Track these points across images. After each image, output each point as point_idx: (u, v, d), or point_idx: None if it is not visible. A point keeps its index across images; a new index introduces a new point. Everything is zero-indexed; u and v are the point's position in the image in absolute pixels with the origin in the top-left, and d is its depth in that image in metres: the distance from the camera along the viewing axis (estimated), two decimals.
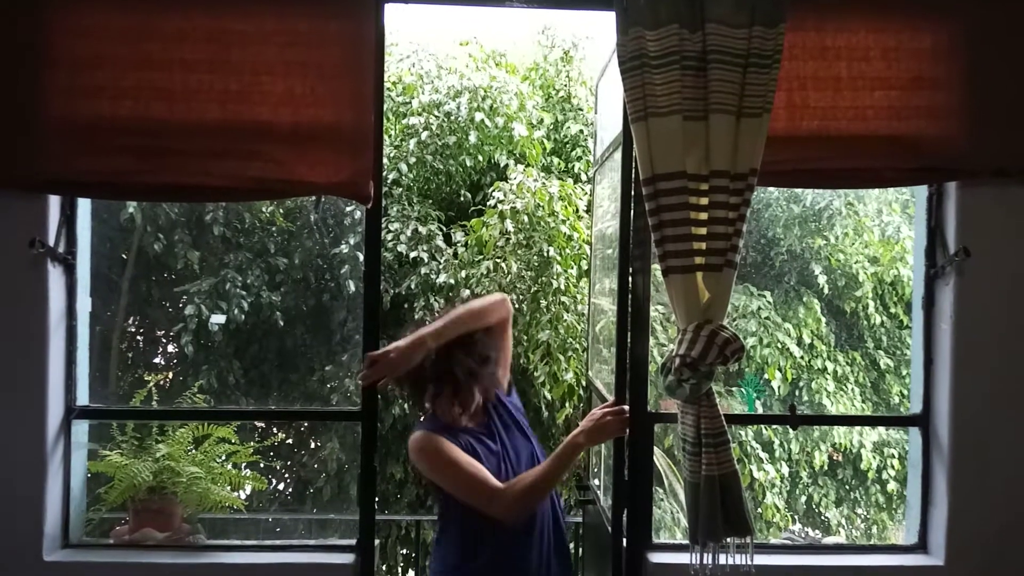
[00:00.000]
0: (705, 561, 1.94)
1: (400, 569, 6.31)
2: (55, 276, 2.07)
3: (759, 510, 6.23)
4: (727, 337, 1.89)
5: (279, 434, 6.24)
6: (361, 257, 3.09)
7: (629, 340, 2.14)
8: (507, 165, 5.85)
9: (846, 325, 7.13)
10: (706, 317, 1.93)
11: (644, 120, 1.95)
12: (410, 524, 5.65)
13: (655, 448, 2.43)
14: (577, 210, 5.58)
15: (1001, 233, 2.16)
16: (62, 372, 2.10)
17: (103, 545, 2.18)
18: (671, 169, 1.92)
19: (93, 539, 2.23)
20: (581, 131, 6.56)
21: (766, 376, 6.44)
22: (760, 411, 6.18)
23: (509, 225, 5.36)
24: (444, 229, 6.00)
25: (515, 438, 2.04)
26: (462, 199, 6.31)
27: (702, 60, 1.92)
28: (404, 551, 6.17)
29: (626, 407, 2.08)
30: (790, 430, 6.49)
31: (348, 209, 5.84)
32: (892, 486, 6.67)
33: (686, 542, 2.01)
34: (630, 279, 2.16)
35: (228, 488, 2.41)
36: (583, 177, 6.34)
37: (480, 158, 6.16)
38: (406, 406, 5.51)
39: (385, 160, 5.15)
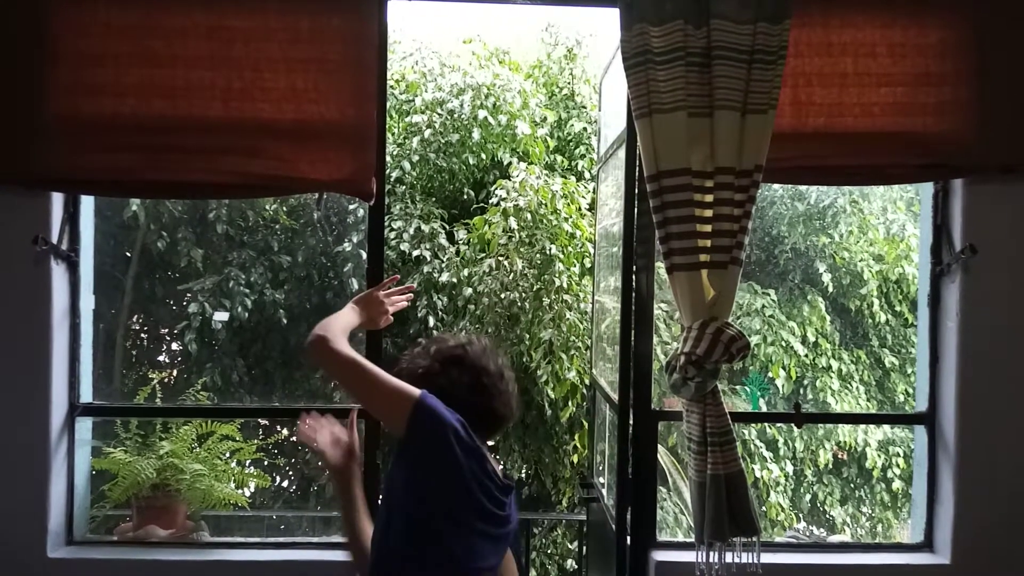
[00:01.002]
0: (711, 560, 1.94)
1: None
2: (58, 273, 2.07)
3: (763, 508, 6.22)
4: (732, 334, 1.88)
5: (282, 431, 6.24)
6: (364, 255, 3.08)
7: (633, 338, 2.14)
8: (510, 163, 5.84)
9: (851, 323, 7.10)
10: (711, 314, 1.92)
11: (648, 117, 1.94)
12: None
13: (659, 446, 2.43)
14: (580, 208, 5.57)
15: (1007, 230, 2.15)
16: (66, 369, 2.10)
17: (107, 542, 2.19)
18: (676, 166, 1.92)
19: (97, 536, 2.24)
20: (585, 129, 6.54)
21: (770, 374, 6.42)
22: (764, 409, 6.17)
23: (512, 223, 5.35)
24: (447, 227, 5.99)
25: None
26: (465, 197, 6.29)
27: (707, 56, 1.91)
28: None
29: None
30: (794, 428, 6.47)
31: (351, 207, 5.83)
32: (897, 484, 6.64)
33: (690, 540, 2.01)
34: (634, 277, 2.15)
35: (232, 485, 2.41)
36: (587, 175, 6.32)
37: (483, 156, 6.15)
38: None
39: (388, 158, 5.14)
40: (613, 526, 2.23)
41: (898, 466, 6.61)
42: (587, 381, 5.11)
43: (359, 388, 1.38)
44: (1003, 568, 2.15)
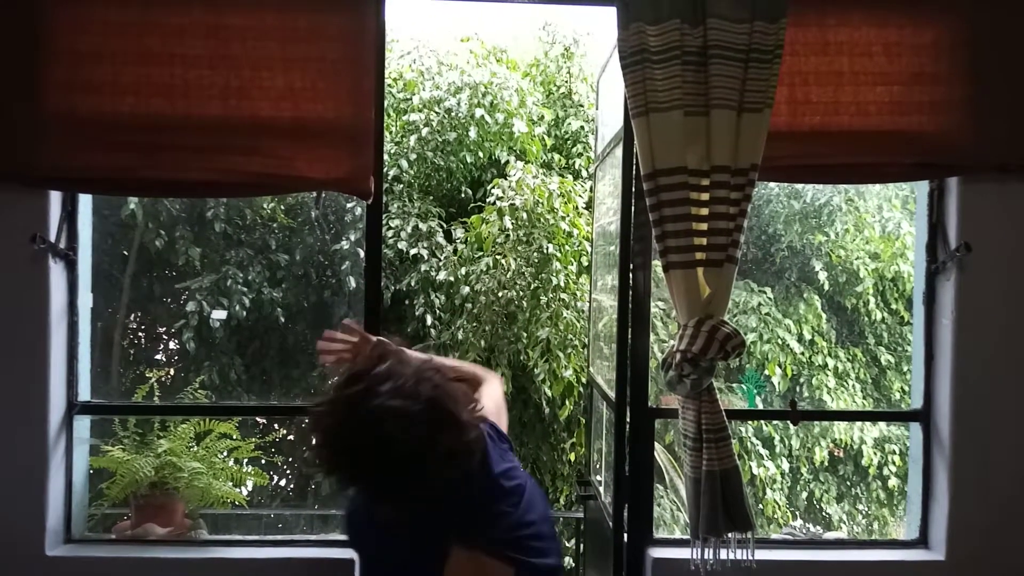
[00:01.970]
0: (706, 556, 1.95)
1: None
2: (56, 272, 2.07)
3: (760, 506, 6.24)
4: (728, 332, 1.89)
5: (280, 430, 6.24)
6: (362, 253, 3.09)
7: (630, 336, 2.14)
8: (508, 161, 5.85)
9: (847, 321, 7.12)
10: (707, 312, 1.93)
11: (645, 115, 1.94)
12: None
13: (656, 444, 2.44)
14: (577, 206, 5.58)
15: (1002, 228, 2.16)
16: (64, 368, 2.10)
17: (105, 540, 2.19)
18: (672, 164, 1.92)
19: (95, 534, 2.24)
20: (582, 127, 6.54)
21: (766, 372, 6.44)
22: (761, 407, 6.18)
23: (508, 222, 5.36)
24: (444, 226, 6.00)
25: None
26: (463, 195, 6.30)
27: (703, 55, 1.92)
28: None
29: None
30: (791, 426, 6.49)
31: (349, 205, 5.83)
32: (893, 482, 6.67)
33: (686, 538, 2.01)
34: (631, 275, 2.15)
35: (229, 484, 2.42)
36: (584, 173, 6.33)
37: (481, 154, 6.16)
38: None
39: (386, 156, 5.15)
40: (610, 523, 2.24)
41: (894, 463, 6.63)
42: (584, 379, 5.13)
43: None
44: (997, 564, 2.16)
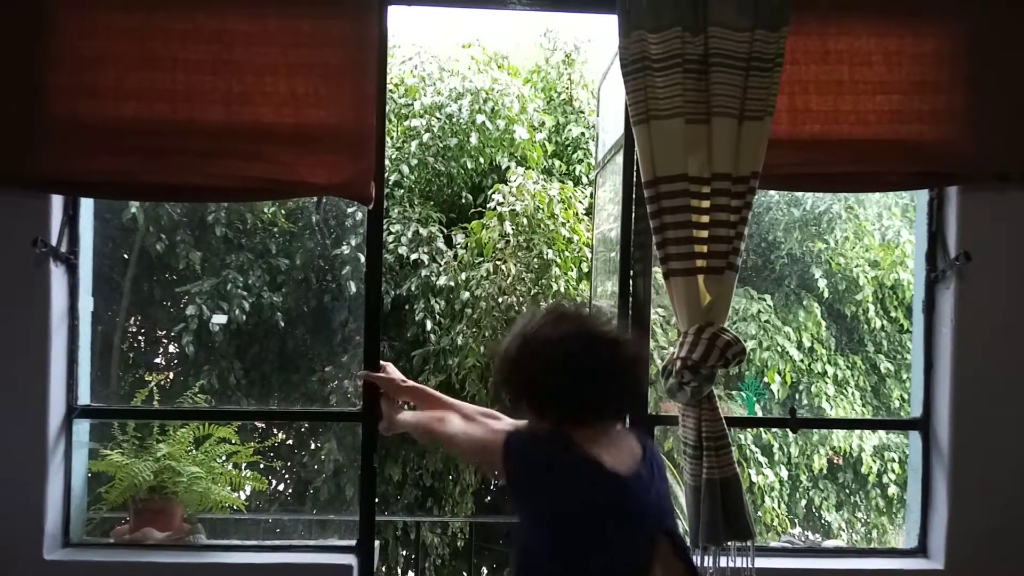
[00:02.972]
0: (706, 564, 1.94)
1: (400, 570, 6.30)
2: (57, 276, 2.07)
3: (759, 513, 6.22)
4: (728, 340, 1.89)
5: (279, 434, 6.23)
6: (362, 258, 3.09)
7: None
8: (508, 167, 5.86)
9: (846, 329, 7.12)
10: (707, 320, 1.93)
11: (646, 123, 1.95)
12: (410, 525, 5.64)
13: None
14: (577, 213, 5.59)
15: (1002, 237, 2.16)
16: (63, 371, 2.10)
17: (104, 544, 2.19)
18: (673, 172, 1.93)
19: (94, 538, 2.23)
20: (582, 134, 6.56)
21: (766, 380, 6.44)
22: (760, 415, 6.18)
23: (508, 227, 5.37)
24: (445, 231, 6.01)
25: None
26: (463, 201, 6.31)
27: (704, 63, 1.92)
28: (404, 552, 6.16)
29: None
30: (790, 434, 6.48)
31: (350, 210, 5.84)
32: (892, 490, 6.66)
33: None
34: (631, 281, 2.16)
35: (228, 488, 2.41)
36: (584, 180, 6.34)
37: (481, 160, 6.17)
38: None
39: (387, 162, 5.15)
40: None
41: (893, 471, 6.62)
42: None
43: (455, 453, 1.49)
44: (996, 573, 2.16)
